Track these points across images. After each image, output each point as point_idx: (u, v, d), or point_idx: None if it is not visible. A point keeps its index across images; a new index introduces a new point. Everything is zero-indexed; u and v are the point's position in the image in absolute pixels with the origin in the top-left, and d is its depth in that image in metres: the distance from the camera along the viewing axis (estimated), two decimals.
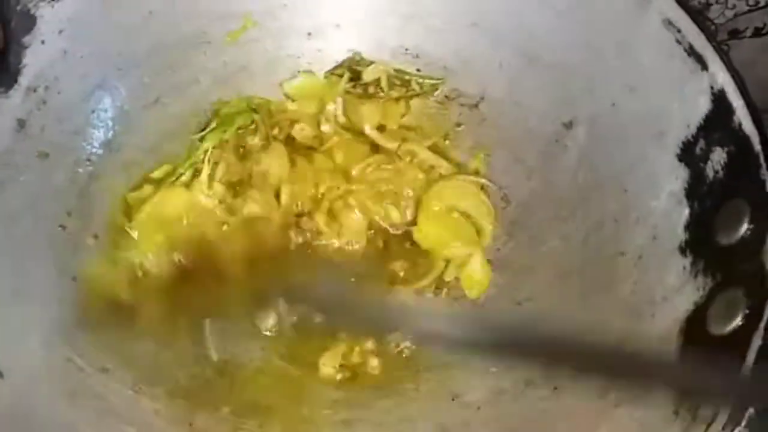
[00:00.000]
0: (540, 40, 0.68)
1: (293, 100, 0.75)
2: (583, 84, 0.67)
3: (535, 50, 0.69)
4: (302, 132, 0.74)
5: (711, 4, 0.77)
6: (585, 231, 0.66)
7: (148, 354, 0.63)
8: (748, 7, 0.78)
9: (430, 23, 0.72)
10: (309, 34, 0.74)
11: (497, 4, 0.69)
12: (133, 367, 0.62)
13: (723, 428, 0.48)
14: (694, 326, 0.55)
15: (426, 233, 0.71)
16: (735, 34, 0.79)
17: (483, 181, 0.72)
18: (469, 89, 0.74)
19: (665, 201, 0.60)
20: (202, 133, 0.72)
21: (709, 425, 0.49)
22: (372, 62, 0.75)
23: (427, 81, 0.74)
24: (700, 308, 0.55)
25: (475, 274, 0.70)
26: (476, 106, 0.74)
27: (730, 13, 0.79)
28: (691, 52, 0.59)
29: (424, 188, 0.72)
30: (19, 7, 0.61)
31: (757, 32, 0.78)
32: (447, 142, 0.75)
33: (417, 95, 0.75)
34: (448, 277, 0.70)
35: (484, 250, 0.70)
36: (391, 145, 0.73)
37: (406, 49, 0.74)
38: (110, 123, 0.69)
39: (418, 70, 0.75)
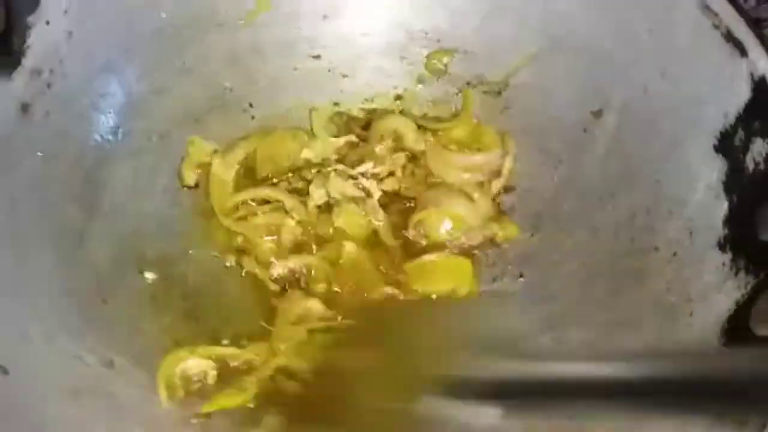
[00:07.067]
0: (567, 24, 0.66)
1: None
2: (614, 70, 0.65)
3: (562, 34, 0.67)
4: None
5: None
6: (615, 224, 0.64)
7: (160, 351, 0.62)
8: None
9: (451, 6, 0.70)
10: (325, 16, 0.72)
11: None
12: (142, 364, 0.61)
13: None
14: (737, 326, 0.53)
15: None
16: (758, 23, 0.77)
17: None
18: (492, 76, 0.71)
19: (701, 194, 0.59)
20: None
21: None
22: None
23: None
24: (742, 307, 0.54)
25: None
26: (499, 93, 0.72)
27: (753, 1, 0.78)
28: (729, 37, 0.58)
29: None
30: None
31: None
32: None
33: None
34: None
35: None
36: None
37: (426, 33, 0.72)
38: (117, 107, 0.67)
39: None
